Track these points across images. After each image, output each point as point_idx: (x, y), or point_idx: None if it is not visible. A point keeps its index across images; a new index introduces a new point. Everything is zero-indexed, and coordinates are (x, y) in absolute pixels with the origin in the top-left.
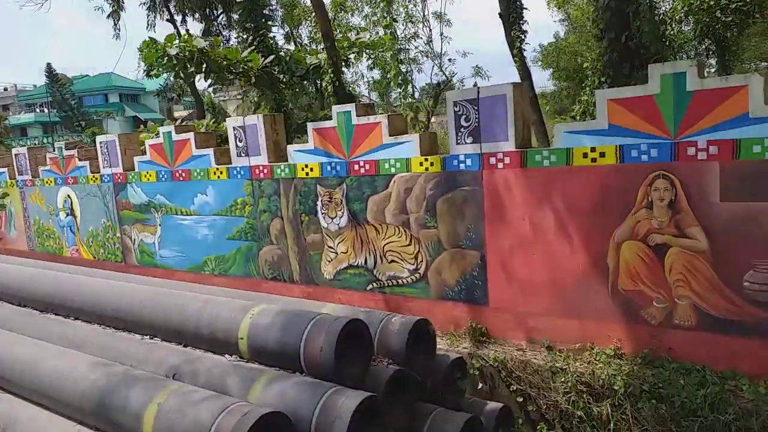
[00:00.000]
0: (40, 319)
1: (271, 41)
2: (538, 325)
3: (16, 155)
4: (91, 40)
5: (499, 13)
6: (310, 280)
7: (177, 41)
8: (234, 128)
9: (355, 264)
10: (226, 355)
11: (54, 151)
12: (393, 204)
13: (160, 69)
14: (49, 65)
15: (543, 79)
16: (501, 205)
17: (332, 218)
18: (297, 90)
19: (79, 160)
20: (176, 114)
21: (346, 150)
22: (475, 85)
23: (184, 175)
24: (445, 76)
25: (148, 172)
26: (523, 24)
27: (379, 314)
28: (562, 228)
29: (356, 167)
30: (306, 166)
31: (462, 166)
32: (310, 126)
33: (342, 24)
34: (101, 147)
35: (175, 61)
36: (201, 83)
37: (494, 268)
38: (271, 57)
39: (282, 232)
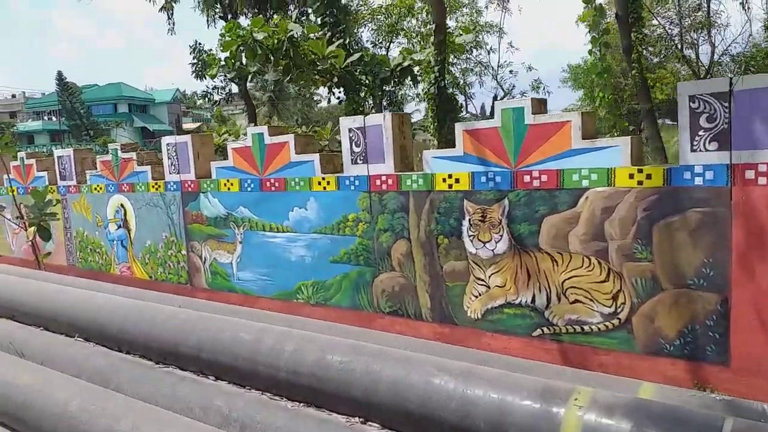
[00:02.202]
0: (162, 375)
1: (352, 38)
2: None
3: (59, 157)
4: (97, 50)
5: (616, 14)
6: (445, 317)
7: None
8: (351, 130)
9: (517, 302)
10: None
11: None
12: (583, 227)
13: (233, 61)
14: (59, 73)
15: (567, 101)
16: (760, 234)
17: (484, 242)
18: (379, 94)
19: (139, 164)
20: (185, 126)
21: (513, 157)
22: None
23: (277, 184)
24: (502, 89)
25: (229, 180)
26: (642, 27)
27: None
28: None
29: (526, 179)
30: (449, 176)
31: (698, 180)
32: (459, 127)
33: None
34: (168, 150)
35: (259, 50)
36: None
37: (742, 316)
38: (357, 55)
39: (408, 256)
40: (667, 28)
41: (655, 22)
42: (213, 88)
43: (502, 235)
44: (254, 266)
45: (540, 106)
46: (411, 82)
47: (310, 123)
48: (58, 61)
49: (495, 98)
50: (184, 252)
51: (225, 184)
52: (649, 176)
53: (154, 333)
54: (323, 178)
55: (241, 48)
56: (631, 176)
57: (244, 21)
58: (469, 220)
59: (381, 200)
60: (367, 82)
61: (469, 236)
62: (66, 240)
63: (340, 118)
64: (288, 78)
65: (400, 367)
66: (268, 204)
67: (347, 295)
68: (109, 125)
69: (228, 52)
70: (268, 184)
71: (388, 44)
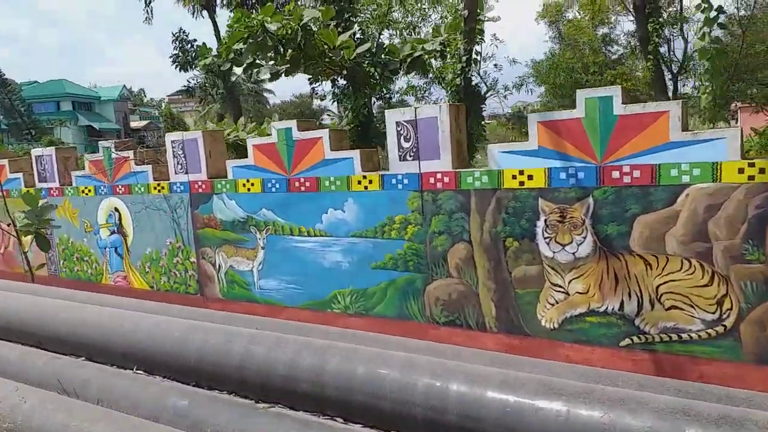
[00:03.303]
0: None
1: (359, 26)
2: None
3: (38, 157)
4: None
5: (633, 4)
6: (514, 328)
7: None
8: (399, 123)
9: (602, 309)
10: None
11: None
12: (682, 227)
13: (227, 52)
14: None
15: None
16: None
17: (563, 245)
18: (387, 87)
19: (138, 163)
20: (133, 124)
21: (599, 151)
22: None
23: (308, 184)
24: (485, 85)
25: (249, 180)
26: (659, 17)
27: None
28: None
29: (615, 174)
30: (520, 172)
31: None
32: (533, 118)
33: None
34: (174, 147)
35: (269, 41)
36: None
37: None
38: (366, 45)
39: (469, 261)
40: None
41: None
42: (195, 83)
43: (584, 237)
44: (279, 274)
45: (631, 96)
46: (420, 74)
47: (263, 119)
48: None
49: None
50: (193, 259)
51: (244, 185)
52: (762, 170)
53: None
54: (364, 177)
55: (250, 39)
56: (741, 171)
57: (224, 12)
58: (545, 220)
59: (435, 200)
60: (375, 74)
61: (545, 238)
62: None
63: (386, 111)
64: (295, 70)
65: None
66: (297, 206)
67: (393, 304)
68: (52, 124)
69: (230, 43)
70: (296, 184)
71: (378, 35)
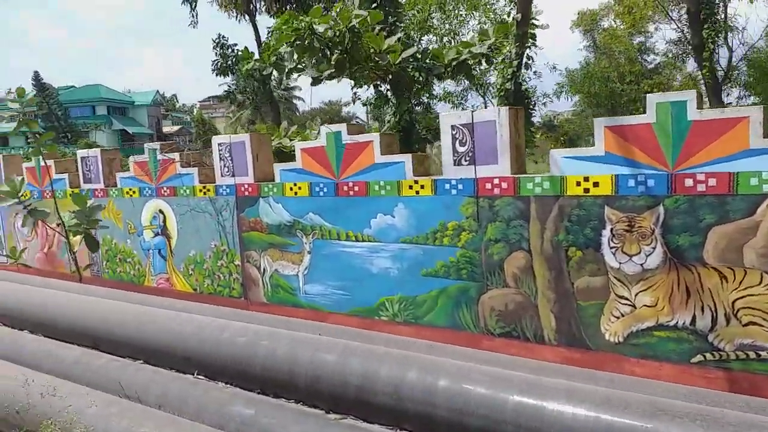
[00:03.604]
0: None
1: (402, 30)
2: None
3: (83, 158)
4: (71, 53)
5: (688, 10)
6: (576, 341)
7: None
8: (454, 127)
9: (671, 324)
10: None
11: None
12: (763, 239)
13: (270, 56)
14: (36, 74)
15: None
16: None
17: (631, 255)
18: (430, 92)
19: (183, 166)
20: (165, 129)
21: (670, 157)
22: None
23: (357, 188)
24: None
25: (296, 184)
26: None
27: None
28: None
29: (688, 182)
30: (585, 179)
31: None
32: (600, 123)
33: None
34: (221, 150)
35: (316, 44)
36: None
37: None
38: (412, 50)
39: (528, 271)
40: (685, 32)
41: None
42: (234, 89)
43: (654, 247)
44: (325, 279)
45: (701, 99)
46: (465, 79)
47: (297, 125)
48: (29, 64)
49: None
50: (237, 262)
51: (291, 189)
52: None
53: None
54: (416, 182)
55: (297, 42)
56: None
57: (264, 18)
58: (611, 229)
59: (492, 206)
60: (420, 78)
61: (611, 248)
62: (68, 246)
63: (441, 114)
64: (340, 74)
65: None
66: (345, 210)
67: (445, 313)
68: (87, 127)
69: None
70: (345, 188)
71: (418, 40)
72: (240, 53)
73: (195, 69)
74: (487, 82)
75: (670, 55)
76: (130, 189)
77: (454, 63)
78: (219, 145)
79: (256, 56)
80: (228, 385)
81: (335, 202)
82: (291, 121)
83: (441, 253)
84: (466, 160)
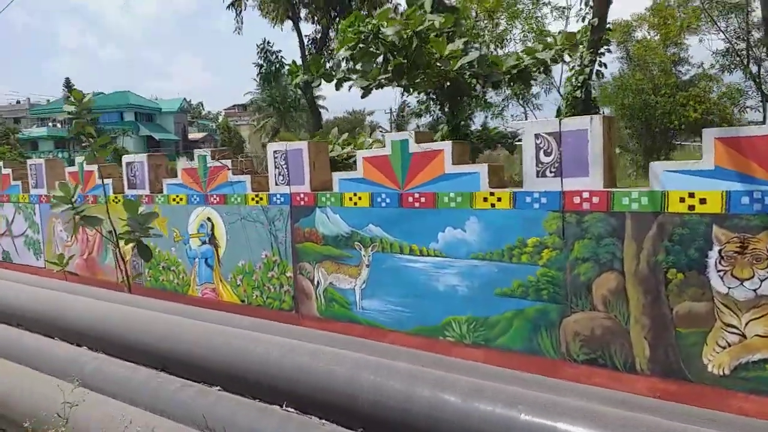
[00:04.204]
0: None
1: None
2: None
3: (128, 164)
4: (98, 61)
5: (764, 15)
6: (671, 371)
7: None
8: (539, 136)
9: None
10: None
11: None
12: None
13: (318, 67)
14: (67, 80)
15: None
16: None
17: (742, 280)
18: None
19: (235, 173)
20: (191, 136)
21: None
22: None
23: (423, 200)
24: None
25: (356, 194)
26: None
27: None
28: None
29: None
30: (690, 195)
31: None
32: (709, 134)
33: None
34: (276, 158)
35: (381, 48)
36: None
37: None
38: (473, 55)
39: (619, 293)
40: (733, 42)
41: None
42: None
43: None
44: (385, 294)
45: None
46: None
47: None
48: (58, 71)
49: (558, 111)
50: (289, 274)
51: (351, 199)
52: None
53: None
54: (491, 194)
55: (360, 45)
56: None
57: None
58: (720, 251)
59: (580, 222)
60: (477, 86)
61: (719, 271)
62: (134, 255)
63: (523, 123)
64: (398, 80)
65: None
66: (410, 223)
67: (520, 337)
68: (115, 133)
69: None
70: (410, 199)
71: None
72: (288, 66)
73: (217, 79)
74: (530, 93)
75: (717, 66)
76: (177, 196)
77: (514, 71)
78: (275, 152)
79: (294, 64)
80: (324, 422)
81: (399, 213)
82: (315, 128)
83: (518, 271)
84: (551, 172)
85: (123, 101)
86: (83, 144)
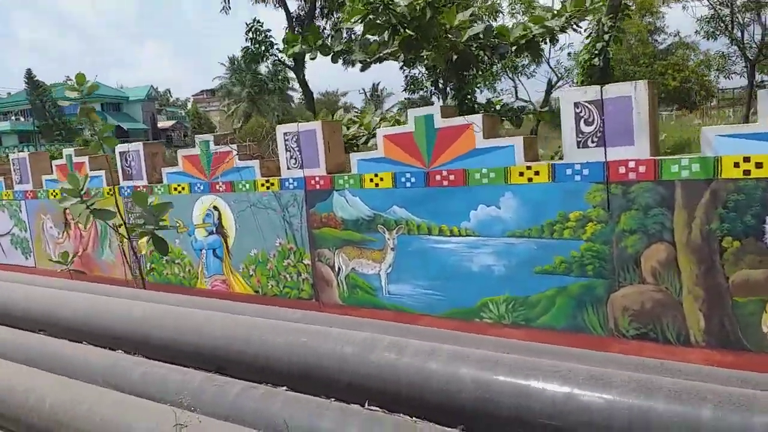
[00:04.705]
0: None
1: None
2: None
3: (121, 153)
4: (58, 52)
5: None
6: (728, 342)
7: None
8: (578, 104)
9: None
10: None
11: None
12: None
13: (316, 39)
14: (29, 71)
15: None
16: None
17: None
18: (493, 73)
19: (242, 158)
20: (160, 124)
21: None
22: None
23: (453, 177)
24: (556, 74)
25: (377, 175)
26: None
27: None
28: None
29: None
30: (745, 159)
31: None
32: (764, 96)
33: None
34: (287, 140)
35: (393, 19)
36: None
37: None
38: (480, 27)
39: (670, 265)
40: (717, 8)
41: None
42: (270, 74)
43: None
44: (413, 278)
45: None
46: (530, 57)
47: (290, 118)
48: (17, 63)
49: (549, 83)
50: (307, 261)
51: (371, 180)
52: None
53: None
54: (528, 168)
55: (370, 16)
56: None
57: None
58: None
59: (626, 193)
60: (484, 58)
61: None
62: (131, 249)
63: (561, 91)
64: (406, 53)
65: None
66: (437, 202)
67: (564, 314)
68: (82, 125)
69: (346, 20)
70: (437, 177)
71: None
72: (285, 37)
73: (187, 63)
74: (520, 64)
75: (702, 33)
76: (179, 185)
77: (522, 41)
78: (285, 134)
79: (291, 33)
80: (417, 420)
81: (425, 193)
82: (287, 112)
83: (560, 247)
84: (593, 142)
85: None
86: (57, 135)
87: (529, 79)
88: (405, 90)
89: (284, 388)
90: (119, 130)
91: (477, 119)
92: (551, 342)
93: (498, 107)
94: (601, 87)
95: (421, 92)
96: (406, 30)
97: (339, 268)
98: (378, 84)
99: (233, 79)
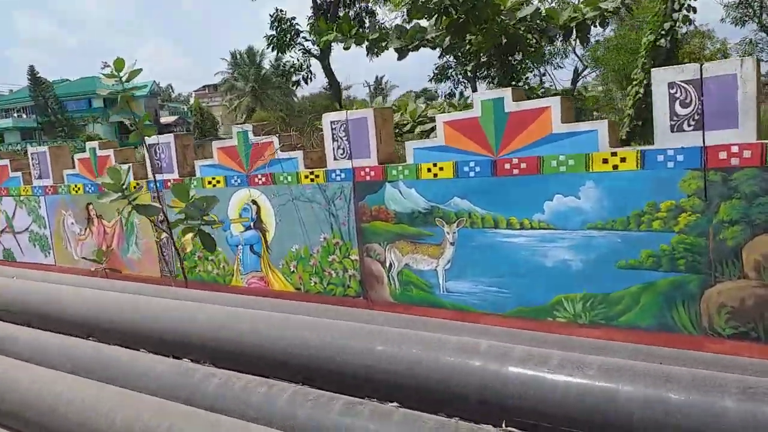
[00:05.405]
0: None
1: None
2: None
3: (151, 146)
4: (61, 49)
5: None
6: None
7: None
8: (673, 85)
9: None
10: None
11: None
12: None
13: (350, 28)
14: (32, 68)
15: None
16: None
17: None
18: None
19: (283, 150)
20: (162, 120)
21: None
22: None
23: (524, 166)
24: (582, 63)
25: (436, 164)
26: None
27: None
28: None
29: None
30: None
31: None
32: None
33: None
34: (334, 129)
35: (447, 1)
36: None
37: None
38: (532, 7)
39: None
40: None
41: None
42: (291, 67)
43: None
44: (475, 275)
45: None
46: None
47: (293, 112)
48: (20, 60)
49: (576, 71)
50: (354, 257)
51: (429, 170)
52: None
53: None
54: (614, 154)
55: (422, 0)
56: None
57: None
58: None
59: (727, 180)
60: (533, 41)
61: None
62: (161, 245)
63: (654, 71)
64: (454, 37)
65: None
66: (506, 193)
67: (651, 313)
68: (84, 121)
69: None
70: (507, 166)
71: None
72: (316, 26)
73: (189, 58)
74: (548, 51)
75: (730, 19)
76: (214, 178)
77: (571, 24)
78: (332, 122)
79: (323, 22)
80: (461, 422)
81: (491, 183)
82: (290, 106)
83: (648, 240)
84: (690, 125)
85: (90, 88)
86: (59, 132)
87: (555, 69)
88: (431, 80)
89: (376, 400)
90: (122, 127)
91: (555, 102)
92: (639, 341)
93: (541, 93)
94: (701, 65)
95: (448, 81)
96: (457, 12)
97: (390, 264)
98: (382, 77)
99: (236, 74)
